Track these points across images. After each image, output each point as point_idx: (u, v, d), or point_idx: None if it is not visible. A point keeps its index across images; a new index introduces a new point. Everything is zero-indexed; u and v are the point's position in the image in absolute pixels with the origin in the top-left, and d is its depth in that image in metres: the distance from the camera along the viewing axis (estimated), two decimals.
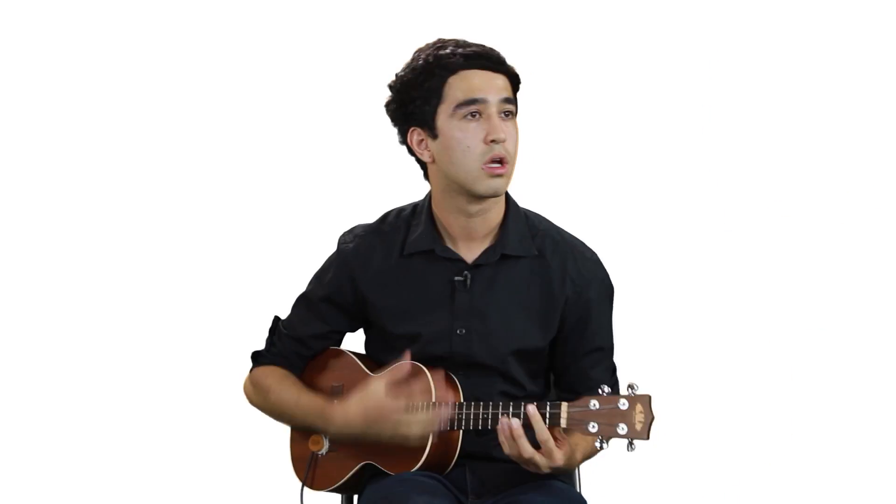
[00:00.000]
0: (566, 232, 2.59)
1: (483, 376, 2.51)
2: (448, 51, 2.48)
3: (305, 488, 2.57)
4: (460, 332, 2.50)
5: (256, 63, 4.09)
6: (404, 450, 2.45)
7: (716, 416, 3.89)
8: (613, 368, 2.60)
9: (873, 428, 3.87)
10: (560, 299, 2.52)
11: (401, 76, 2.51)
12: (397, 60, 2.55)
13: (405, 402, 2.44)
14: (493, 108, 2.44)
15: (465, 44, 2.50)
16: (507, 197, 2.55)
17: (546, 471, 2.37)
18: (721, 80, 4.02)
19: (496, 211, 2.51)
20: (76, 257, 4.07)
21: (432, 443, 2.43)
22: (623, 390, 2.31)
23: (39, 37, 4.08)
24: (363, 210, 2.69)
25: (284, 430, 2.63)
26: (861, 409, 3.88)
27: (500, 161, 2.44)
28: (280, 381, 2.61)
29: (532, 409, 2.34)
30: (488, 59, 2.48)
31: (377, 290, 2.55)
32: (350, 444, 2.52)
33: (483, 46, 2.50)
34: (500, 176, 2.45)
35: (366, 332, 2.64)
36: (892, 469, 3.83)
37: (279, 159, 4.08)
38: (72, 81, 4.10)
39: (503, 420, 2.36)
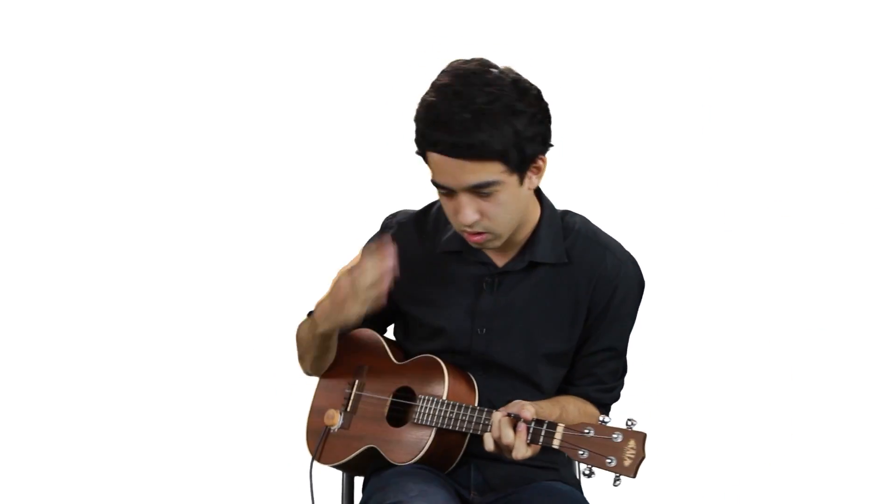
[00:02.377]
0: (602, 232, 2.58)
1: (502, 378, 2.54)
2: (422, 125, 2.35)
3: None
4: (481, 331, 2.54)
5: (283, 63, 4.12)
6: (407, 440, 2.51)
7: (718, 418, 3.91)
8: (623, 370, 2.60)
9: (875, 434, 3.88)
10: (585, 299, 2.53)
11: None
12: (413, 57, 2.49)
13: (358, 261, 2.46)
14: (460, 194, 2.37)
15: (442, 120, 2.30)
16: (542, 201, 2.53)
17: None
18: (717, 86, 3.99)
19: (528, 223, 2.51)
20: (80, 256, 4.20)
21: (433, 438, 2.48)
22: (622, 423, 2.30)
23: (42, 38, 4.10)
24: (375, 208, 2.73)
25: (298, 410, 2.70)
26: (862, 416, 3.89)
27: (478, 233, 2.42)
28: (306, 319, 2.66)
29: (522, 426, 2.35)
30: (454, 147, 2.30)
31: (406, 279, 2.57)
32: (358, 425, 2.59)
33: (458, 128, 2.29)
34: (480, 241, 2.44)
35: (395, 320, 2.70)
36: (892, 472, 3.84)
37: (298, 157, 4.13)
38: (95, 89, 4.14)
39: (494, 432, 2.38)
